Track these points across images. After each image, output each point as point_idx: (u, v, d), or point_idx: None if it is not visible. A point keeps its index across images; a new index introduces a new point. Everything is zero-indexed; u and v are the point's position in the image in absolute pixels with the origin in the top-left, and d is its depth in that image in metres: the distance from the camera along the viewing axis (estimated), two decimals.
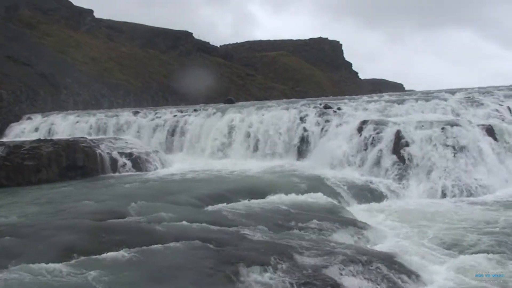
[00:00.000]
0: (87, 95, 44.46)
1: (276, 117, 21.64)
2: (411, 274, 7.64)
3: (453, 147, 16.15)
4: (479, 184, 14.95)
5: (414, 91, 57.17)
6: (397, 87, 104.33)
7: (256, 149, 20.95)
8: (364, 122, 18.38)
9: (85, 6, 64.88)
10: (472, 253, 8.85)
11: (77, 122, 28.24)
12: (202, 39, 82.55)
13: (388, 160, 16.37)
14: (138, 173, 19.17)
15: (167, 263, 7.31)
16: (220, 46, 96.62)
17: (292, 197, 12.84)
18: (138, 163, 19.93)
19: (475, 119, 18.81)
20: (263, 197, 12.83)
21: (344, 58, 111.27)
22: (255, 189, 14.03)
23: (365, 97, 27.94)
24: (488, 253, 8.75)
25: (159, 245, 8.01)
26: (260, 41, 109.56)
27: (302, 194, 13.20)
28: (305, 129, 20.43)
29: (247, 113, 22.92)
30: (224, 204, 11.98)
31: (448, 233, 10.23)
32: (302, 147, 20.02)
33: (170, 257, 7.57)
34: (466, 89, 33.40)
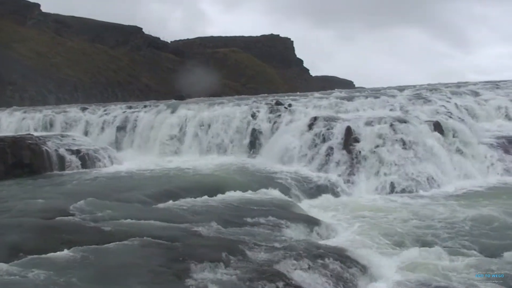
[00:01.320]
0: (34, 91, 43.36)
1: (228, 114, 21.58)
2: (361, 268, 7.72)
3: (402, 143, 16.45)
4: (427, 179, 15.27)
5: (364, 88, 58.06)
6: (347, 84, 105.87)
7: (207, 146, 20.85)
8: (315, 119, 18.54)
9: (32, 0, 63.22)
10: (420, 247, 9.01)
11: (24, 118, 27.46)
12: (153, 35, 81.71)
13: (339, 156, 16.55)
14: (86, 170, 18.75)
15: (117, 262, 7.16)
16: (171, 42, 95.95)
17: (243, 193, 12.83)
18: (86, 160, 19.49)
19: (423, 116, 19.22)
20: (214, 194, 12.74)
21: (295, 55, 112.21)
22: (207, 186, 13.94)
23: (316, 94, 28.15)
24: (436, 247, 8.93)
25: (108, 244, 7.85)
26: (212, 38, 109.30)
27: (254, 190, 13.21)
28: (256, 126, 20.45)
29: (198, 110, 22.76)
30: (175, 202, 11.86)
31: (397, 228, 10.40)
32: (254, 144, 20.04)
33: (119, 255, 7.43)
34: (415, 86, 34.16)
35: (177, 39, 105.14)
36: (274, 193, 13.10)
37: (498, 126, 20.98)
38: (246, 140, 20.20)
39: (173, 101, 30.46)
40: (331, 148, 16.93)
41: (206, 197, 12.43)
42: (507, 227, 10.23)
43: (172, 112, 23.17)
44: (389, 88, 33.70)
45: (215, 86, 72.76)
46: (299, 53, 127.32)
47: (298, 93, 39.56)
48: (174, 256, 7.33)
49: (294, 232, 9.70)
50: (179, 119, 22.41)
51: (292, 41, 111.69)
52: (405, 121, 17.56)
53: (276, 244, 8.19)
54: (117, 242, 7.93)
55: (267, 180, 15.06)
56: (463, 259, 8.23)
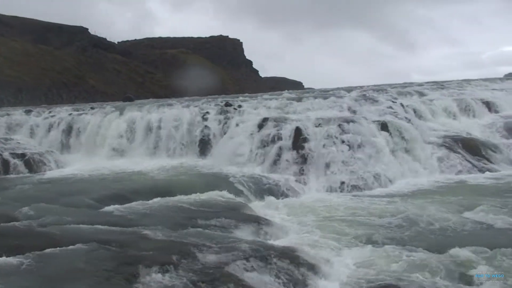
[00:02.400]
0: None
1: (177, 115, 21.38)
2: (312, 267, 7.78)
3: (350, 143, 16.70)
4: (375, 178, 15.54)
5: (313, 89, 58.71)
6: (297, 85, 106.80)
7: (156, 148, 20.57)
8: (265, 120, 18.64)
9: None
10: (369, 245, 9.15)
11: None
12: (99, 35, 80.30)
13: (288, 156, 16.66)
14: (31, 174, 18.29)
15: (64, 267, 6.97)
16: (118, 42, 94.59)
17: (194, 195, 12.71)
18: (31, 164, 19.01)
19: (370, 116, 19.55)
20: (164, 197, 12.59)
21: (245, 57, 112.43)
22: (156, 188, 13.81)
23: (265, 95, 28.28)
24: (384, 245, 9.11)
25: (54, 249, 7.62)
26: (160, 38, 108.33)
27: (204, 192, 13.11)
28: (206, 127, 20.35)
29: (147, 111, 22.48)
30: (124, 205, 11.66)
31: (347, 226, 10.53)
32: (204, 145, 19.90)
33: (66, 261, 7.24)
34: (362, 87, 34.74)
35: (125, 39, 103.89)
36: (225, 195, 13.04)
37: (443, 125, 21.57)
38: (196, 142, 20.04)
39: (121, 102, 30.01)
40: (281, 149, 17.03)
41: (155, 199, 12.26)
42: (452, 224, 10.50)
43: (120, 114, 22.80)
44: (338, 89, 34.17)
45: (163, 87, 72.11)
46: (248, 54, 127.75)
47: (247, 94, 39.65)
48: (122, 260, 7.19)
49: (244, 233, 9.68)
50: (128, 121, 22.06)
51: (241, 42, 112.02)
52: (353, 121, 17.84)
53: (227, 246, 8.15)
54: (64, 248, 7.72)
55: (218, 181, 15.02)
56: (411, 256, 8.40)
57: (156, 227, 9.43)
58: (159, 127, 21.07)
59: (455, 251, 8.60)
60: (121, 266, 6.98)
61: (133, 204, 11.81)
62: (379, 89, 29.54)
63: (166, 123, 21.09)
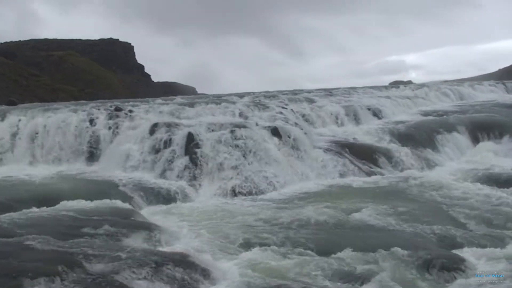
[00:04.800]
0: None
1: (64, 120, 20.47)
2: (204, 272, 7.76)
3: (242, 148, 16.84)
4: (267, 182, 15.76)
5: (206, 94, 58.79)
6: (190, 90, 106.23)
7: (41, 154, 19.52)
8: (156, 125, 18.33)
9: None
10: (261, 248, 9.23)
11: None
12: None
13: (180, 162, 16.51)
14: None
15: None
16: (1, 44, 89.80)
17: (81, 203, 12.21)
18: None
19: (261, 121, 19.85)
20: (49, 205, 11.95)
21: (136, 61, 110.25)
22: (40, 197, 13.13)
23: (157, 100, 27.87)
24: (275, 247, 9.24)
25: None
26: (46, 40, 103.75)
27: (92, 199, 12.62)
28: (94, 132, 19.65)
29: (31, 116, 21.32)
30: (4, 214, 10.96)
31: (239, 231, 10.58)
32: (92, 151, 19.19)
33: None
34: (254, 93, 35.22)
35: (8, 40, 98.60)
36: (114, 202, 12.65)
37: (331, 131, 22.35)
38: (84, 148, 19.29)
39: (4, 106, 28.42)
40: (172, 154, 16.84)
41: (40, 208, 11.63)
42: (339, 226, 10.89)
43: (1, 119, 21.47)
44: (230, 94, 34.40)
45: (50, 91, 69.13)
46: (140, 58, 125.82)
47: (139, 98, 38.96)
48: (4, 272, 6.76)
49: (135, 241, 9.46)
50: (10, 126, 20.78)
51: (133, 46, 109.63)
52: (245, 127, 18.02)
53: (116, 254, 7.91)
54: None
55: (107, 188, 14.57)
56: (300, 259, 8.59)
57: (41, 237, 8.94)
58: (44, 133, 20.04)
59: (343, 252, 8.93)
60: (3, 278, 6.57)
61: (16, 213, 11.10)
62: (271, 95, 30.13)
63: (52, 128, 20.10)
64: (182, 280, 7.38)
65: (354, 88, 38.91)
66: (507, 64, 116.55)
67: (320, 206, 12.53)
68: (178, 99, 28.17)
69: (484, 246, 9.61)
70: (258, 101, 24.80)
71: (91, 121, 20.21)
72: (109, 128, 19.77)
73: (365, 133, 22.00)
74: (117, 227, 9.90)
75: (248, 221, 11.41)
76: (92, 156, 19.05)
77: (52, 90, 70.81)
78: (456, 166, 18.36)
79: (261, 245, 9.51)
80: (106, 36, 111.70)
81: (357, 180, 16.26)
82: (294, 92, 33.88)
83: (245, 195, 14.98)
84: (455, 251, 9.27)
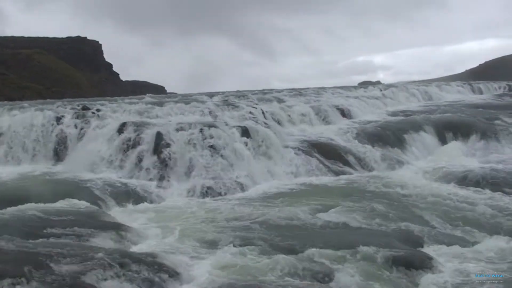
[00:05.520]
0: None
1: (30, 119, 20.08)
2: (172, 272, 7.73)
3: (211, 148, 16.79)
4: (236, 182, 15.74)
5: (176, 93, 58.48)
6: (159, 90, 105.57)
7: (6, 154, 19.10)
8: (124, 124, 18.14)
9: None
10: (230, 248, 9.22)
11: None
12: None
13: (149, 161, 16.38)
14: None
15: None
16: None
17: (48, 203, 12.00)
18: None
19: (231, 121, 19.82)
20: (15, 205, 11.74)
21: (104, 59, 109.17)
22: (6, 197, 12.88)
23: (126, 99, 27.62)
24: (245, 247, 9.24)
25: None
26: (13, 37, 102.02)
27: (59, 200, 12.44)
28: (61, 132, 19.33)
29: None
30: None
31: (208, 230, 10.56)
32: (59, 151, 18.88)
33: None
34: (224, 92, 35.19)
35: None
36: (82, 202, 12.47)
37: (301, 130, 22.44)
38: (51, 147, 18.97)
39: None
40: (141, 154, 16.69)
41: (5, 209, 11.41)
42: (308, 225, 10.95)
43: None
44: (200, 94, 34.30)
45: (16, 90, 67.96)
46: (108, 57, 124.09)
47: (107, 97, 38.54)
48: None
49: (102, 241, 9.36)
50: None
51: (101, 44, 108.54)
52: (214, 126, 17.96)
53: (84, 255, 7.81)
54: None
55: (74, 188, 14.36)
56: (270, 258, 8.60)
57: (6, 237, 8.79)
58: (9, 132, 19.62)
59: (310, 250, 8.99)
60: None
61: None
62: (241, 95, 30.16)
63: (17, 127, 19.71)
64: (151, 280, 7.33)
65: (323, 88, 39.21)
66: (473, 65, 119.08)
67: (289, 206, 12.59)
68: (147, 98, 27.95)
69: (450, 244, 9.79)
70: (228, 101, 24.77)
71: (58, 120, 19.88)
72: (76, 127, 19.47)
73: (334, 133, 22.14)
74: (85, 228, 9.79)
75: (217, 221, 11.39)
76: (59, 155, 18.75)
77: (19, 88, 69.64)
78: (423, 165, 18.61)
79: (230, 245, 9.49)
80: (74, 34, 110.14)
81: (326, 179, 16.39)
82: (264, 92, 33.98)
83: (214, 195, 14.93)
84: (421, 249, 9.41)
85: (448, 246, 9.73)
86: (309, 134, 21.65)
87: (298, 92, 33.54)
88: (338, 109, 26.79)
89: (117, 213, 12.63)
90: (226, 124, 18.82)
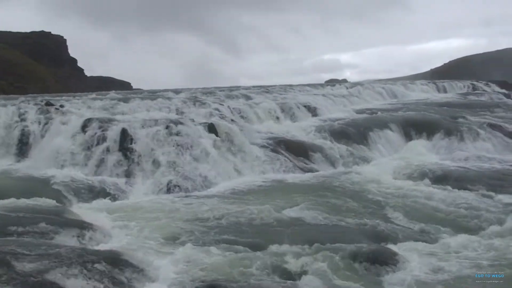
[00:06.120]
0: None
1: None
2: (137, 270, 7.65)
3: (178, 144, 16.70)
4: (203, 179, 15.69)
5: (142, 90, 57.96)
6: (125, 86, 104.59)
7: None
8: (89, 120, 17.89)
9: None
10: (196, 245, 9.21)
11: None
12: None
13: (114, 158, 16.19)
14: None
15: None
16: None
17: (9, 200, 11.74)
18: None
19: (198, 118, 19.73)
20: None
21: (69, 54, 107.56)
22: None
23: (91, 95, 27.26)
24: (210, 244, 9.25)
25: None
26: None
27: (21, 197, 12.17)
28: (24, 128, 18.94)
29: None
30: None
31: (174, 228, 10.50)
32: (22, 147, 18.48)
33: None
34: (191, 89, 35.01)
35: None
36: (45, 199, 12.24)
37: (268, 128, 22.47)
38: (13, 144, 18.56)
39: None
40: (106, 151, 16.48)
41: None
42: (275, 222, 10.98)
43: None
44: (166, 90, 34.05)
45: None
46: (73, 52, 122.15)
47: (72, 93, 38.00)
48: None
49: (66, 239, 9.20)
50: None
51: (65, 39, 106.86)
52: (181, 123, 17.87)
53: (47, 253, 7.66)
54: None
55: (37, 185, 14.14)
56: (236, 255, 8.61)
57: None
58: None
59: (276, 247, 9.03)
60: None
61: None
62: (208, 91, 30.08)
63: None
64: (115, 278, 7.24)
65: (290, 86, 39.36)
66: (438, 65, 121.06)
67: (256, 202, 12.61)
68: (112, 94, 27.64)
69: (414, 240, 9.95)
70: (194, 98, 24.67)
71: (21, 116, 19.48)
72: (40, 123, 19.10)
73: (301, 130, 22.27)
74: (48, 225, 9.59)
75: (183, 218, 11.32)
76: (22, 152, 18.35)
77: None
78: (388, 163, 18.81)
79: (196, 242, 9.48)
80: (38, 28, 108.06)
81: (293, 176, 16.46)
82: (231, 89, 33.91)
83: (180, 191, 14.83)
84: (386, 245, 9.52)
85: (412, 242, 9.88)
86: (276, 131, 21.71)
87: (265, 90, 33.57)
88: (305, 106, 26.93)
89: (81, 210, 12.41)
90: (193, 121, 18.73)
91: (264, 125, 23.01)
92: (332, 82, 60.51)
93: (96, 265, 7.33)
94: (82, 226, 10.03)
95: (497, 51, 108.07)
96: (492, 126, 22.71)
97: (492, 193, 13.67)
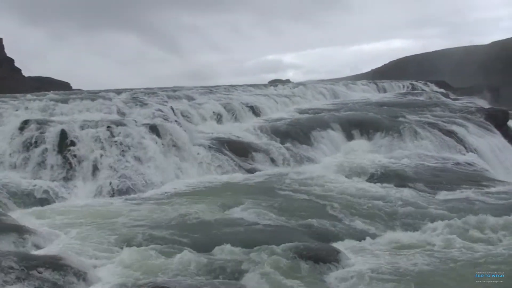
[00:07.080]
0: None
1: None
2: (79, 274, 7.51)
3: (120, 146, 16.41)
4: (146, 181, 15.49)
5: (82, 90, 56.63)
6: (64, 86, 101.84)
7: None
8: (26, 122, 17.29)
9: None
10: (139, 247, 9.10)
11: None
12: None
13: (53, 161, 15.71)
14: None
15: None
16: None
17: None
18: None
19: (140, 119, 19.42)
20: None
21: (5, 54, 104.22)
22: None
23: (28, 95, 26.38)
24: (154, 246, 9.15)
25: None
26: None
27: None
28: None
29: None
30: None
31: (116, 230, 10.34)
32: None
33: None
34: (132, 89, 34.41)
35: None
36: None
37: (211, 128, 22.39)
38: None
39: None
40: (45, 153, 15.97)
41: None
42: (219, 223, 10.97)
43: None
44: (107, 91, 33.38)
45: None
46: (9, 51, 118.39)
47: (8, 94, 36.73)
48: None
49: (4, 245, 8.89)
50: None
51: (1, 38, 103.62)
52: (122, 124, 17.56)
53: None
54: None
55: None
56: (180, 256, 8.53)
57: None
58: None
59: (220, 247, 8.99)
60: None
61: None
62: (150, 92, 29.64)
63: None
64: (55, 283, 7.08)
65: (234, 86, 39.30)
66: (378, 65, 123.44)
67: (199, 203, 12.53)
68: (51, 95, 26.83)
69: (358, 238, 10.13)
70: (136, 98, 24.29)
71: None
72: None
73: (244, 130, 22.28)
74: None
75: (126, 221, 11.15)
76: None
77: None
78: (331, 162, 19.05)
79: (140, 244, 9.36)
80: None
81: (236, 177, 16.46)
82: (174, 89, 33.58)
83: (122, 194, 14.60)
84: (330, 243, 9.64)
85: (355, 239, 10.05)
86: (220, 132, 21.65)
87: (208, 90, 33.42)
88: (248, 107, 26.97)
89: (18, 214, 12.05)
90: (135, 122, 18.43)
91: (208, 126, 22.90)
92: (275, 83, 60.64)
93: (35, 271, 7.16)
94: (21, 231, 9.71)
95: (435, 52, 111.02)
96: (431, 125, 23.29)
97: (431, 190, 14.08)
